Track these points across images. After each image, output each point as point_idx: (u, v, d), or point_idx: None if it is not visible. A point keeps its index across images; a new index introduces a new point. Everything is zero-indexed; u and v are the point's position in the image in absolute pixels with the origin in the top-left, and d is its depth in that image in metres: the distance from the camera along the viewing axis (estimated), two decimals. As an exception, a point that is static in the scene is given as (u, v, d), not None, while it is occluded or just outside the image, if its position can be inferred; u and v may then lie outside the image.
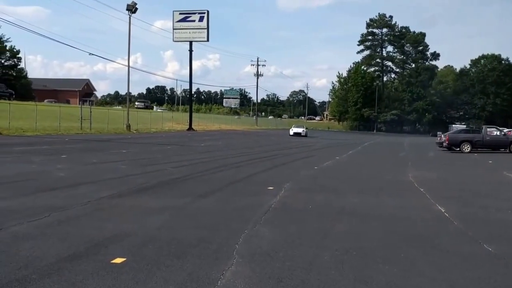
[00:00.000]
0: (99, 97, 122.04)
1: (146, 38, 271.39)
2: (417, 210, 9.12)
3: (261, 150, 27.11)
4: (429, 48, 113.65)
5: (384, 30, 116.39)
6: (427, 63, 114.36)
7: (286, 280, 4.71)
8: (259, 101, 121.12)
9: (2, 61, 78.52)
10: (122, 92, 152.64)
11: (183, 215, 7.97)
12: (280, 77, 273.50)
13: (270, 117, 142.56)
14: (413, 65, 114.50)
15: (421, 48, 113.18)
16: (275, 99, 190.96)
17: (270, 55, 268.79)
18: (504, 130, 36.05)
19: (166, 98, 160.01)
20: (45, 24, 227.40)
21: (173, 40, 61.66)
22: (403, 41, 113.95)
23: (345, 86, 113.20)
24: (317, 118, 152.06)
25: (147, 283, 4.48)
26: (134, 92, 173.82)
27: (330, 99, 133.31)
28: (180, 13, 60.55)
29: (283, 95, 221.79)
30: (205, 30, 59.56)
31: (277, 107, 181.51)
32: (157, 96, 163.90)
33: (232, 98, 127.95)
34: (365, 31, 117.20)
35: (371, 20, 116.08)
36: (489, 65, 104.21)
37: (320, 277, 4.85)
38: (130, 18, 45.08)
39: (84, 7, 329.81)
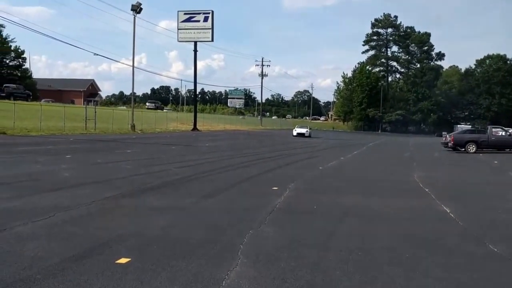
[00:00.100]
0: (104, 97, 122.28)
1: (150, 38, 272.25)
2: (422, 210, 9.09)
3: (265, 150, 27.10)
4: (434, 48, 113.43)
5: (389, 30, 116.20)
6: (432, 63, 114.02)
7: (291, 280, 4.69)
8: (263, 101, 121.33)
9: (7, 62, 78.90)
10: (127, 92, 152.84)
11: (187, 215, 7.97)
12: (285, 77, 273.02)
13: (274, 117, 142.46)
14: (418, 65, 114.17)
15: (426, 48, 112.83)
16: (280, 99, 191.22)
17: (274, 55, 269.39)
18: (510, 131, 35.66)
19: (171, 98, 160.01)
20: (49, 24, 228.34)
21: (178, 40, 61.73)
22: (408, 41, 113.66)
23: (350, 86, 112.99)
24: (322, 118, 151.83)
25: (152, 283, 4.48)
26: (139, 92, 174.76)
27: (335, 99, 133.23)
28: (185, 13, 60.58)
29: (288, 95, 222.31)
30: (210, 30, 59.58)
31: (282, 107, 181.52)
32: (161, 96, 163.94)
33: (237, 98, 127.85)
34: (370, 31, 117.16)
35: (376, 20, 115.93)
36: (495, 65, 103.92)
37: (325, 277, 4.83)
38: (134, 18, 45.24)
39: (88, 8, 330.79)
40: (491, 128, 32.43)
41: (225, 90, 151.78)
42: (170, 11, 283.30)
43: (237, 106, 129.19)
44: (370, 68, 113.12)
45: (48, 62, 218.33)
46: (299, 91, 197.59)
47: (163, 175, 13.13)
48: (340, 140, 50.60)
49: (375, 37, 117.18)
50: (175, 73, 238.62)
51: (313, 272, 4.97)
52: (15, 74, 77.31)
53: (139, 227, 6.72)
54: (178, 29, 60.80)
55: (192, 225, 7.09)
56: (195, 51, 59.64)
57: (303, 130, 54.10)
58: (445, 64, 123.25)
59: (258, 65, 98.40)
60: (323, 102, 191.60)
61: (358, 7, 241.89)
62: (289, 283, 4.62)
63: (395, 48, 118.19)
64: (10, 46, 77.17)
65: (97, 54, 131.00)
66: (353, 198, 10.32)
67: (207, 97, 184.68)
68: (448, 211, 8.87)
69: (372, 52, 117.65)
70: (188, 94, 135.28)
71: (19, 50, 79.00)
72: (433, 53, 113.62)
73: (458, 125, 65.42)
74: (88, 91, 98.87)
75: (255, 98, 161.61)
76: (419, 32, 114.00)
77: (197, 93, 74.65)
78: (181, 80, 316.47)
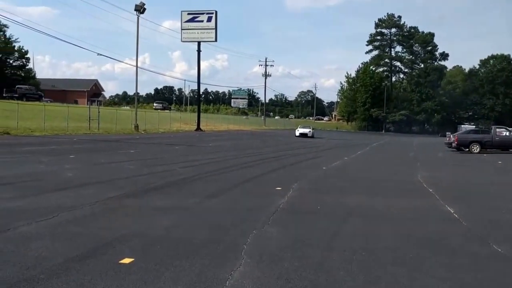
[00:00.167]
0: (107, 98, 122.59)
1: (154, 38, 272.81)
2: (426, 210, 9.07)
3: (269, 150, 27.11)
4: (438, 48, 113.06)
5: (393, 30, 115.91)
6: (436, 63, 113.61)
7: (295, 280, 4.69)
8: (267, 101, 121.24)
9: (11, 62, 79.07)
10: (130, 92, 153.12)
11: (191, 215, 7.97)
12: (288, 77, 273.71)
13: (277, 117, 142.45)
14: (422, 65, 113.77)
15: (429, 48, 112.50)
16: (283, 99, 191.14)
17: (278, 55, 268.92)
18: (514, 131, 35.73)
19: (174, 98, 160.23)
20: (53, 24, 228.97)
21: (181, 41, 61.81)
22: (411, 41, 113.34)
23: (353, 86, 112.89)
24: (326, 118, 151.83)
25: (156, 283, 4.48)
26: (143, 92, 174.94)
27: (339, 99, 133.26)
28: (188, 13, 60.65)
29: (291, 95, 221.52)
30: (213, 31, 59.62)
31: (285, 107, 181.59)
32: (165, 97, 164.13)
33: (240, 98, 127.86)
34: (373, 31, 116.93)
35: (379, 20, 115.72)
36: (499, 65, 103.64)
37: (329, 277, 4.83)
38: (138, 18, 45.25)
39: (92, 8, 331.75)
40: (495, 128, 32.34)
41: (229, 90, 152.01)
42: (174, 11, 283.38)
43: (240, 106, 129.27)
44: (373, 68, 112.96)
45: (52, 62, 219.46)
46: (302, 91, 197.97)
47: (167, 175, 13.14)
48: (344, 140, 50.55)
49: (378, 37, 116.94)
50: (178, 73, 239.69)
51: (317, 272, 4.96)
52: (18, 74, 77.55)
53: (142, 227, 6.72)
54: (181, 29, 60.87)
55: (196, 225, 7.09)
56: (199, 51, 59.72)
57: (305, 130, 52.92)
58: (449, 64, 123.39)
59: (261, 65, 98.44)
60: (327, 102, 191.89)
61: (362, 7, 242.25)
62: (293, 283, 4.61)
63: (398, 48, 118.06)
64: (14, 46, 77.30)
65: (101, 54, 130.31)
66: (356, 198, 10.31)
67: (210, 97, 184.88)
68: (452, 211, 8.85)
69: (375, 52, 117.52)
70: (191, 94, 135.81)
71: (23, 50, 79.21)
72: (437, 53, 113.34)
73: (462, 125, 65.14)
74: (92, 91, 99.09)
75: (258, 98, 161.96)
76: (422, 32, 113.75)
77: (201, 93, 74.54)
78: (185, 80, 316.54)
